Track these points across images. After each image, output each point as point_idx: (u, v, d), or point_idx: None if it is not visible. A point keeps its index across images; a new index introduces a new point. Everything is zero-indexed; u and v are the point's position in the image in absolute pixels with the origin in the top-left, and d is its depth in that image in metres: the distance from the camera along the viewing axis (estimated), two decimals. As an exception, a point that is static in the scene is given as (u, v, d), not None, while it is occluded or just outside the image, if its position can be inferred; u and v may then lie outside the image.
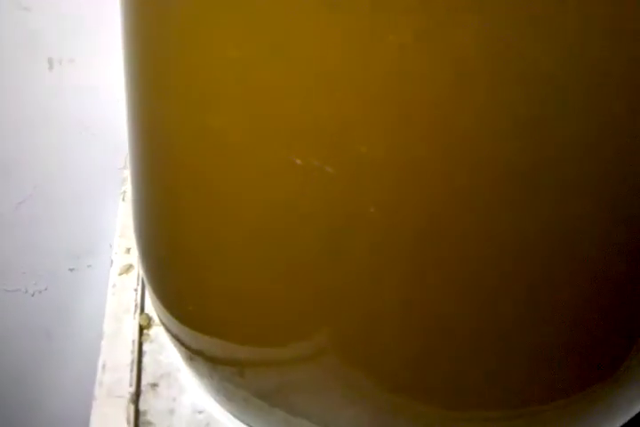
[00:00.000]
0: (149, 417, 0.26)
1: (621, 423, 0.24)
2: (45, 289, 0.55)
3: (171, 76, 0.19)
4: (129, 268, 0.35)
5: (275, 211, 0.19)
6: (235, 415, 0.27)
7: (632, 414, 0.24)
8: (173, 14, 0.18)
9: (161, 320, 0.27)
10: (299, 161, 0.17)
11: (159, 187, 0.23)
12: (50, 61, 0.44)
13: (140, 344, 0.30)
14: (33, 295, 0.55)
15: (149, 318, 0.31)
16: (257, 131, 0.17)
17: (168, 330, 0.26)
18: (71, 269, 0.55)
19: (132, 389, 0.27)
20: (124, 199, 0.42)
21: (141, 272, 0.29)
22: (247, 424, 0.27)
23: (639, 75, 0.15)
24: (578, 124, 0.16)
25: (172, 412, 0.27)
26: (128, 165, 0.26)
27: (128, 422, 0.26)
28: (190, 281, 0.23)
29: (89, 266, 0.54)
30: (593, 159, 0.17)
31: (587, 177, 0.17)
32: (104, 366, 0.28)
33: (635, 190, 0.18)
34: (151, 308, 0.31)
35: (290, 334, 0.21)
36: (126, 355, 0.29)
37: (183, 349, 0.25)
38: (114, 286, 0.34)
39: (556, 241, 0.18)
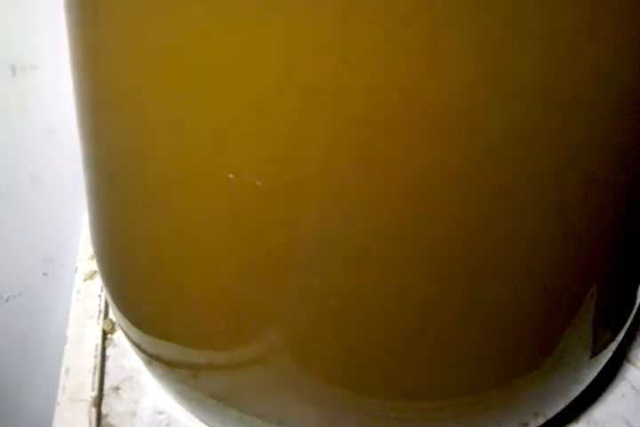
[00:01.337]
0: (111, 420, 0.27)
1: (556, 411, 0.26)
2: (20, 294, 0.56)
3: (109, 91, 0.20)
4: (93, 274, 0.36)
5: (218, 221, 0.20)
6: (194, 415, 0.28)
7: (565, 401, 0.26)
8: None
9: (120, 325, 0.28)
10: (231, 176, 0.18)
11: (110, 195, 0.24)
12: (13, 68, 0.45)
13: (104, 349, 0.31)
14: (7, 301, 0.55)
15: (113, 323, 0.32)
16: (194, 148, 0.18)
17: (127, 335, 0.27)
18: (45, 274, 0.56)
19: (95, 393, 0.28)
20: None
21: (100, 278, 0.29)
22: (205, 423, 0.28)
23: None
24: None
25: (133, 414, 0.28)
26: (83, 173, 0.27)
27: (90, 426, 0.26)
28: (143, 288, 0.24)
29: (63, 270, 0.55)
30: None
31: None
32: (67, 371, 0.29)
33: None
34: (115, 313, 0.32)
35: (238, 338, 0.22)
36: (89, 360, 0.30)
37: (141, 353, 0.26)
38: (78, 291, 0.34)
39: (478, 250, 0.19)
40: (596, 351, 0.25)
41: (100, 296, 0.34)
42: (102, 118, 0.21)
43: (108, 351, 0.31)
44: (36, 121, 0.46)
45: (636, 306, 0.27)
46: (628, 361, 0.31)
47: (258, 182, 0.17)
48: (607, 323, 0.25)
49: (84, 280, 0.35)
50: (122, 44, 0.19)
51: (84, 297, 0.34)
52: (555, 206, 0.20)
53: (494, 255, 0.20)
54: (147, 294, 0.24)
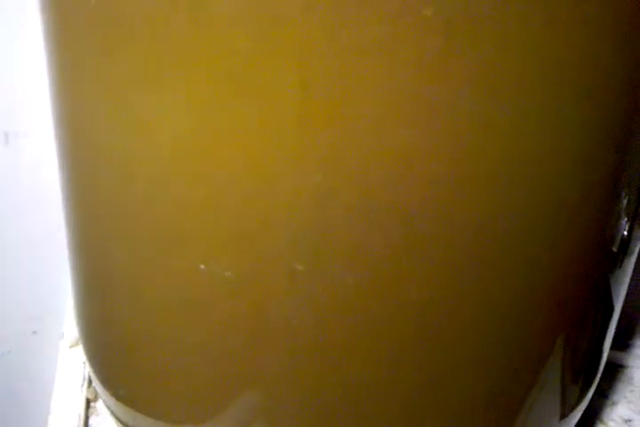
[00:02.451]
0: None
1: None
2: (9, 352, 0.56)
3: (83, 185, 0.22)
4: (79, 340, 0.36)
5: (191, 306, 0.21)
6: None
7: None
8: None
9: (99, 393, 0.28)
10: (202, 266, 0.19)
11: (88, 272, 0.25)
12: (5, 135, 0.46)
13: (87, 417, 0.31)
14: (-5, 357, 0.55)
15: (96, 392, 0.33)
16: (164, 239, 0.19)
17: (106, 404, 0.28)
18: (34, 332, 0.56)
19: (76, 463, 0.28)
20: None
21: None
22: None
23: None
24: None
25: (113, 483, 0.28)
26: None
27: None
28: (121, 362, 0.25)
29: (53, 328, 0.55)
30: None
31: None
32: (50, 441, 0.29)
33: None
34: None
35: (213, 415, 0.23)
36: (72, 429, 0.30)
37: (120, 424, 0.27)
38: (63, 359, 0.35)
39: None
40: (565, 413, 0.26)
41: (84, 364, 0.34)
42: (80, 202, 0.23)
43: (91, 420, 0.31)
44: (27, 187, 0.47)
45: (603, 364, 0.27)
46: (601, 422, 0.32)
47: (227, 273, 0.18)
48: (575, 383, 0.26)
49: (70, 347, 0.36)
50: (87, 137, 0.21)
51: (70, 364, 0.34)
52: (520, 268, 0.21)
53: (457, 318, 0.21)
54: (125, 368, 0.25)
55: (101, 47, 0.19)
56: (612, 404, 0.33)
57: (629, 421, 0.31)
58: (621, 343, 0.35)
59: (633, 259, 0.25)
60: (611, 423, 0.31)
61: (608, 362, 0.35)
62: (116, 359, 0.24)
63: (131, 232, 0.20)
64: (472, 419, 0.23)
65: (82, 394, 0.32)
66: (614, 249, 0.24)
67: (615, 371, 0.35)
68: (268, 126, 0.17)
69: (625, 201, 0.23)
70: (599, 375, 0.27)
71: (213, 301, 0.19)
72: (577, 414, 0.27)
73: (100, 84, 0.19)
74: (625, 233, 0.24)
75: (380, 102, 0.17)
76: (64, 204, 0.26)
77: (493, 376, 0.22)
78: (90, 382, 0.33)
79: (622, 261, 0.25)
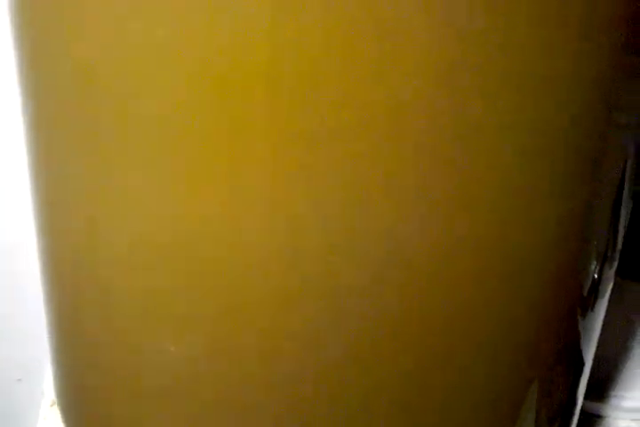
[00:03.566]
0: None
1: None
2: (-8, 399, 0.55)
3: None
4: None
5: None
6: None
7: None
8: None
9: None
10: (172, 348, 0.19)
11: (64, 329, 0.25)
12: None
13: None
14: (-22, 405, 0.54)
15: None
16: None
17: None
18: (19, 380, 0.55)
19: None
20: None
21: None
22: None
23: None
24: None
25: None
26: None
27: None
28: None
29: (38, 376, 0.54)
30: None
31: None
32: None
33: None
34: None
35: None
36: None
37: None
38: (44, 418, 0.34)
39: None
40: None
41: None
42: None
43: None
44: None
45: (577, 413, 0.26)
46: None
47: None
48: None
49: (51, 406, 0.35)
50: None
51: (50, 424, 0.33)
52: (489, 318, 0.20)
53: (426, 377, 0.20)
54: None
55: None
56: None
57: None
58: (600, 394, 0.34)
59: (604, 300, 0.25)
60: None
61: (586, 413, 0.33)
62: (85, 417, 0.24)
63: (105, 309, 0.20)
64: None
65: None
66: (584, 293, 0.23)
67: (593, 421, 0.33)
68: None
69: (594, 243, 0.23)
70: (574, 425, 0.26)
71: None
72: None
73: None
74: (595, 275, 0.23)
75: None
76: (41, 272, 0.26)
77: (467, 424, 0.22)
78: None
79: (594, 304, 0.24)
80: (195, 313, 0.19)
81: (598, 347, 0.40)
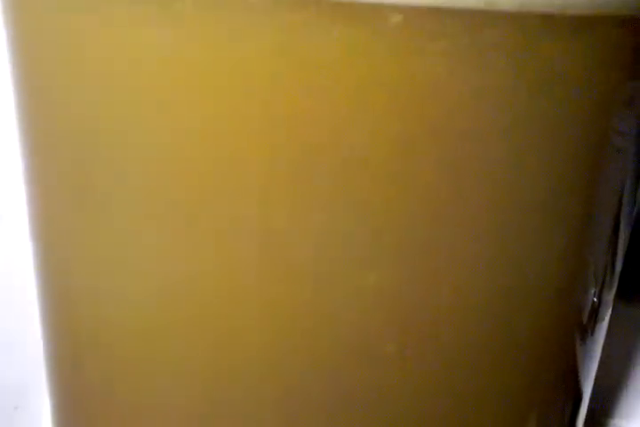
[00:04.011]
0: None
1: None
2: (-10, 428, 0.54)
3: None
4: None
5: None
6: None
7: None
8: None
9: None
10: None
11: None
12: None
13: None
14: (-26, 435, 0.54)
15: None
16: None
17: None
18: (16, 408, 0.54)
19: None
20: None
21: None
22: None
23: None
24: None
25: None
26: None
27: None
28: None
29: (35, 404, 0.54)
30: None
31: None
32: None
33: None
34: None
35: None
36: None
37: None
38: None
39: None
40: None
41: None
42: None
43: None
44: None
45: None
46: None
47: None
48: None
49: None
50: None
51: None
52: (486, 350, 0.20)
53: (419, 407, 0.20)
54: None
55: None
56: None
57: None
58: (599, 421, 0.34)
59: (604, 325, 0.24)
60: None
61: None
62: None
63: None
64: None
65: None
66: (584, 318, 0.23)
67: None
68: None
69: (593, 267, 0.23)
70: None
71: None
72: None
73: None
74: (595, 299, 0.23)
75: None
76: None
77: None
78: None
79: (593, 329, 0.24)
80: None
81: (599, 373, 0.39)
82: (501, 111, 0.17)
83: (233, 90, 0.16)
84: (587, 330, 0.23)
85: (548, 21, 0.16)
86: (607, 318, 0.25)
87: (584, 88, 0.18)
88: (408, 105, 0.16)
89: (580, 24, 0.17)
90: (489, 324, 0.20)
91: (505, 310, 0.20)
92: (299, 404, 0.19)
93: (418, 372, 0.19)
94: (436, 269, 0.18)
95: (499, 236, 0.19)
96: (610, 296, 0.24)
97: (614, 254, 0.23)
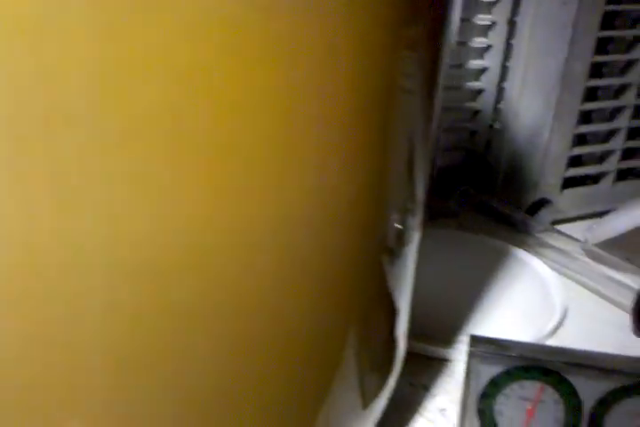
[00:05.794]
0: None
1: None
2: None
3: None
4: None
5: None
6: None
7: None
8: None
9: None
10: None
11: None
12: None
13: None
14: None
15: None
16: None
17: None
18: None
19: None
20: None
21: None
22: None
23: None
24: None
25: None
26: None
27: None
28: None
29: None
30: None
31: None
32: None
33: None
34: None
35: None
36: None
37: None
38: None
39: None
40: (366, 402, 0.27)
41: None
42: None
43: None
44: None
45: (401, 354, 0.29)
46: (419, 413, 0.33)
47: None
48: (370, 374, 0.27)
49: None
50: None
51: None
52: (303, 274, 0.22)
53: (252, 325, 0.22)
54: None
55: None
56: (432, 396, 0.34)
57: (444, 410, 0.33)
58: (448, 339, 0.38)
59: (412, 249, 0.27)
60: (427, 414, 0.33)
61: (433, 358, 0.37)
62: None
63: None
64: (273, 416, 0.24)
65: None
66: (390, 243, 0.26)
67: (440, 365, 0.36)
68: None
69: (393, 196, 0.25)
70: (398, 365, 0.29)
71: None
72: (380, 403, 0.28)
73: None
74: (399, 226, 0.26)
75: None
76: None
77: (289, 374, 0.23)
78: None
79: (401, 252, 0.27)
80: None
81: (442, 295, 0.43)
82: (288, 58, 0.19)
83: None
84: (394, 253, 0.26)
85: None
86: (415, 244, 0.28)
87: (366, 32, 0.20)
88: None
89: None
90: (302, 251, 0.22)
91: (314, 238, 0.22)
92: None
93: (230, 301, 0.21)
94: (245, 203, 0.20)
95: (300, 171, 0.21)
96: (415, 222, 0.27)
97: (413, 186, 0.26)
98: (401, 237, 0.27)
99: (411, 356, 0.37)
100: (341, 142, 0.22)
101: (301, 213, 0.21)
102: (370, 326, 0.27)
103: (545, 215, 0.54)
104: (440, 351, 0.37)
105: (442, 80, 0.26)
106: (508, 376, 0.29)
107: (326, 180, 0.22)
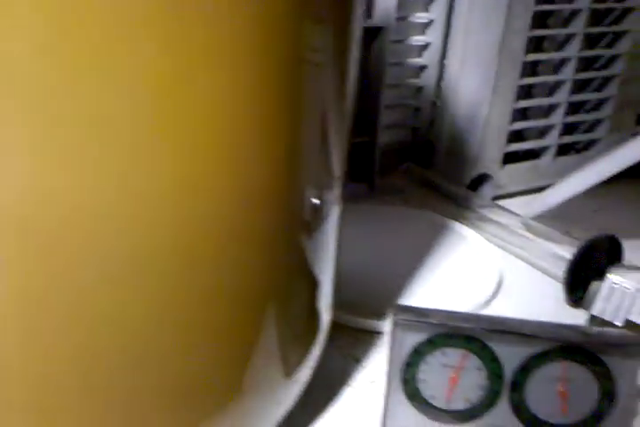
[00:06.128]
0: None
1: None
2: None
3: None
4: None
5: None
6: None
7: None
8: None
9: None
10: None
11: None
12: None
13: None
14: None
15: None
16: None
17: None
18: None
19: None
20: None
21: None
22: None
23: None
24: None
25: None
26: None
27: None
28: None
29: None
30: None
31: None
32: None
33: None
34: None
35: None
36: None
37: None
38: None
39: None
40: (289, 371, 0.27)
41: None
42: None
43: None
44: None
45: (324, 326, 0.29)
46: (349, 385, 0.34)
47: None
48: (291, 345, 0.27)
49: None
50: None
51: None
52: (223, 252, 0.22)
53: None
54: None
55: None
56: (363, 368, 0.35)
57: (373, 382, 0.33)
58: (379, 312, 0.38)
59: (332, 221, 0.27)
60: (357, 385, 0.33)
61: (367, 330, 0.37)
62: None
63: None
64: (197, 387, 0.24)
65: None
66: (307, 217, 0.26)
67: (373, 338, 0.37)
68: None
69: (307, 171, 0.25)
70: (322, 336, 0.29)
71: None
72: (305, 372, 0.28)
73: None
74: (316, 200, 0.26)
75: None
76: None
77: (210, 340, 0.24)
78: None
79: (320, 226, 0.27)
80: None
81: (380, 269, 0.43)
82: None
83: None
84: (312, 227, 0.26)
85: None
86: (335, 218, 0.28)
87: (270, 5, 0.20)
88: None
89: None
90: (214, 223, 0.22)
91: (227, 211, 0.22)
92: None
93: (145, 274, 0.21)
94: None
95: (207, 146, 0.20)
96: (332, 197, 0.27)
97: (328, 160, 0.26)
98: (318, 212, 0.27)
99: (344, 329, 0.37)
100: (249, 116, 0.21)
101: (213, 187, 0.21)
102: (289, 298, 0.27)
103: (486, 190, 0.55)
104: (373, 324, 0.37)
105: (355, 53, 0.26)
106: (431, 344, 0.29)
107: (236, 154, 0.22)
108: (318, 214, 0.27)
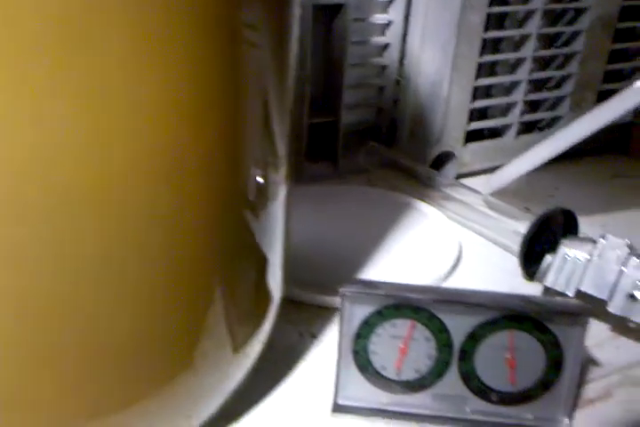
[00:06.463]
0: None
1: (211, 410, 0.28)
2: None
3: None
4: None
5: None
6: None
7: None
8: None
9: None
10: None
11: None
12: None
13: None
14: None
15: None
16: None
17: None
18: None
19: None
20: None
21: None
22: None
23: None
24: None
25: None
26: None
27: None
28: None
29: None
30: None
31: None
32: None
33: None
34: None
35: None
36: None
37: None
38: None
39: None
40: (237, 347, 0.27)
41: None
42: None
43: None
44: None
45: (274, 303, 0.29)
46: (305, 360, 0.34)
47: None
48: (240, 320, 0.28)
49: None
50: None
51: None
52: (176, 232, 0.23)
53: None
54: None
55: None
56: (319, 343, 0.35)
57: (329, 356, 0.34)
58: (337, 289, 0.38)
59: (278, 202, 0.27)
60: (312, 360, 0.34)
61: (323, 307, 0.37)
62: None
63: None
64: (147, 358, 0.24)
65: None
66: (251, 197, 0.26)
67: (330, 314, 0.37)
68: None
69: (250, 151, 0.25)
70: (272, 312, 0.29)
71: None
72: (255, 347, 0.29)
73: None
74: (260, 180, 0.26)
75: None
76: None
77: (156, 313, 0.24)
78: None
79: (265, 206, 0.27)
80: None
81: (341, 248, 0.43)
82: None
83: None
84: (258, 207, 0.26)
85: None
86: (281, 197, 0.28)
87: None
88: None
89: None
90: (157, 201, 0.22)
91: (169, 189, 0.22)
92: None
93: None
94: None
95: (146, 124, 0.21)
96: (278, 177, 0.27)
97: (271, 140, 0.26)
98: (263, 191, 0.27)
99: (303, 306, 0.38)
100: (184, 96, 0.22)
101: (154, 166, 0.21)
102: (236, 275, 0.27)
103: (449, 169, 0.55)
104: (331, 300, 0.38)
105: (295, 33, 0.26)
106: (380, 316, 0.29)
107: (173, 134, 0.22)
108: (263, 193, 0.27)
